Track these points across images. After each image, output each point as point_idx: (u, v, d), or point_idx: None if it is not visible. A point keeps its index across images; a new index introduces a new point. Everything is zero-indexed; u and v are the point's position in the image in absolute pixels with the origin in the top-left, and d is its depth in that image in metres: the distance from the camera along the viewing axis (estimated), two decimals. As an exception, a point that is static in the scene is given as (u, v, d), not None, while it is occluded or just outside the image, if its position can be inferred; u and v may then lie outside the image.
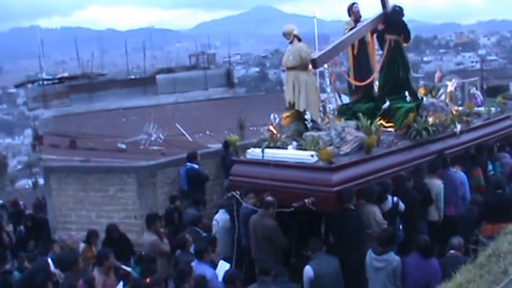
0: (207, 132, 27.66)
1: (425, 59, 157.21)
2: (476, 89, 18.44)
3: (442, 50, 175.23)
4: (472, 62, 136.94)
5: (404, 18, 13.10)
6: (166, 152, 19.31)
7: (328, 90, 13.84)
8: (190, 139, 25.81)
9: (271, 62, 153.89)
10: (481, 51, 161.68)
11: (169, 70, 40.09)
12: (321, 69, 13.66)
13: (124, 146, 20.67)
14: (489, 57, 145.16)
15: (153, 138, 21.50)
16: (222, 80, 39.01)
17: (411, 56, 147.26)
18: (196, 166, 14.29)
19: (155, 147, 20.77)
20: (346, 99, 14.29)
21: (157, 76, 38.22)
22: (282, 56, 13.25)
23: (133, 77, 41.48)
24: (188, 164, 14.27)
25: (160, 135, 22.07)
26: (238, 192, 11.27)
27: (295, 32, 12.33)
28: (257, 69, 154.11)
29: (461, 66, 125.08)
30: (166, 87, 36.87)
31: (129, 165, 15.22)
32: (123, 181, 14.45)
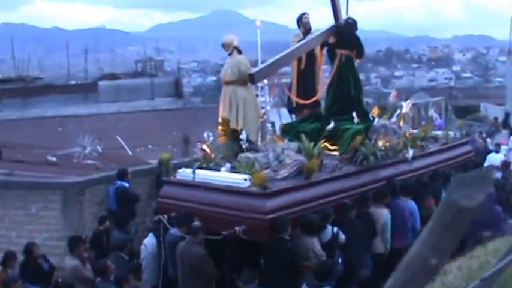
0: (150, 146, 27.45)
1: (396, 73, 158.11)
2: (440, 109, 18.56)
3: (414, 65, 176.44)
4: (446, 78, 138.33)
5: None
6: (101, 167, 18.97)
7: (268, 107, 13.80)
8: (131, 153, 25.56)
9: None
10: (456, 68, 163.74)
11: (112, 76, 39.73)
12: (261, 84, 13.62)
13: (54, 159, 20.25)
14: (464, 74, 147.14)
15: (87, 151, 21.17)
16: (170, 90, 38.70)
17: (382, 70, 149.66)
18: (126, 184, 14.03)
19: (89, 161, 20.43)
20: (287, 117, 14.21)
21: (100, 82, 37.88)
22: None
23: (73, 82, 41.10)
24: (118, 182, 14.01)
25: (98, 148, 21.76)
26: (165, 216, 11.17)
27: (235, 43, 12.31)
28: (214, 78, 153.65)
29: (434, 83, 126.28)
30: (109, 95, 36.50)
31: (54, 181, 14.88)
32: (47, 199, 14.13)
